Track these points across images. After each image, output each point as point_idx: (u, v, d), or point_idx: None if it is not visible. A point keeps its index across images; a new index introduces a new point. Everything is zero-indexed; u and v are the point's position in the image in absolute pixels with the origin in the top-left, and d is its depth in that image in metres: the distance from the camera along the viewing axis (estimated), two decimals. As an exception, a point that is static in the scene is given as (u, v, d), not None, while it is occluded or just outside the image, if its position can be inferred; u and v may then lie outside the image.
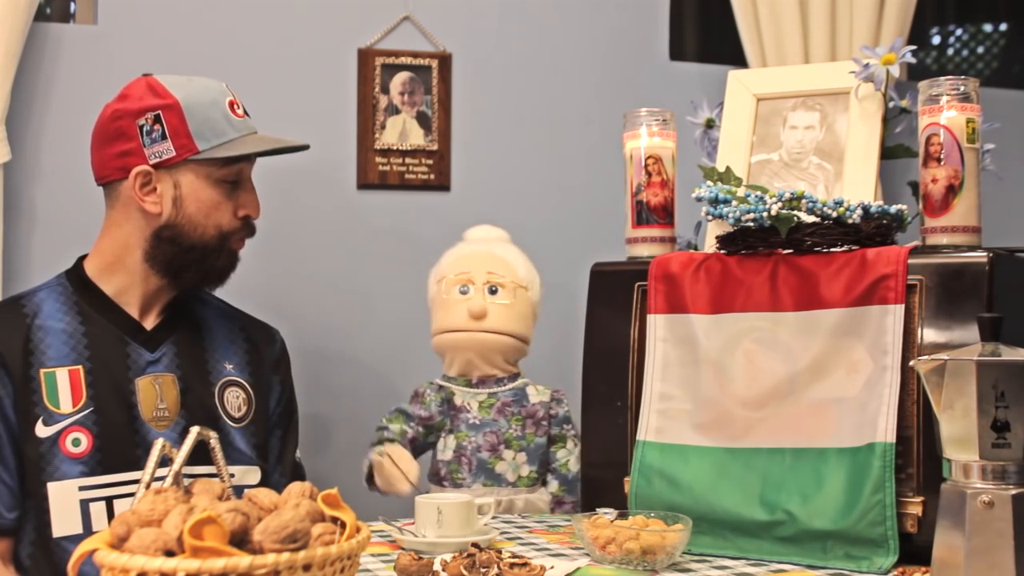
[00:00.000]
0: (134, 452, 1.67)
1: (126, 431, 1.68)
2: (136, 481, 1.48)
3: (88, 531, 1.62)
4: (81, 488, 1.64)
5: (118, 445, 1.67)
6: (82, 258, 1.80)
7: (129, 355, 1.72)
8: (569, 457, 2.06)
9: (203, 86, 1.74)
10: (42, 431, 1.64)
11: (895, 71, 1.74)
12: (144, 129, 1.69)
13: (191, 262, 1.73)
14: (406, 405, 2.09)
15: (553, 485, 2.06)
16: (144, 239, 1.72)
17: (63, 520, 1.63)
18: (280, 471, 1.84)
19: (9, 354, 1.66)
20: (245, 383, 1.82)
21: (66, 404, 1.66)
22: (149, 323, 1.76)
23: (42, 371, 1.67)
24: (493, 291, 2.07)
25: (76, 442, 1.65)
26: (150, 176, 1.70)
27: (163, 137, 1.69)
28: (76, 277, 1.76)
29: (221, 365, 1.80)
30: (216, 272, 1.78)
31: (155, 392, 1.72)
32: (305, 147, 1.83)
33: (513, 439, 2.04)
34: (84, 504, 1.64)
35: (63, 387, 1.67)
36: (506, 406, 2.06)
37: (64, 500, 1.63)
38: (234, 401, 1.79)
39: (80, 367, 1.69)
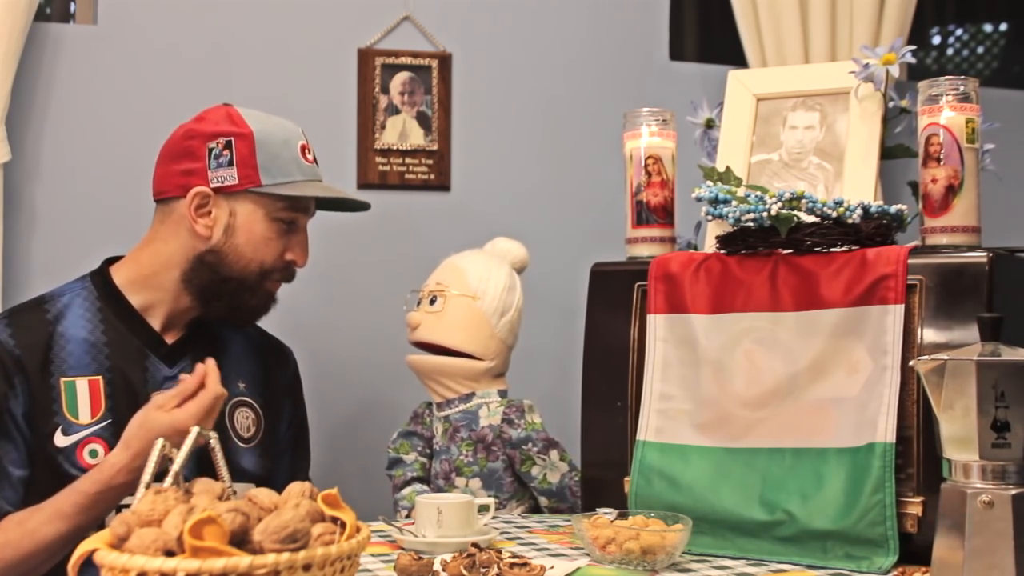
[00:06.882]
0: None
1: None
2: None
3: None
4: None
5: None
6: (108, 261, 1.77)
7: (147, 368, 1.71)
8: (543, 472, 1.91)
9: (279, 124, 1.75)
10: (61, 440, 1.63)
11: (895, 71, 1.74)
12: (213, 152, 1.70)
13: (225, 293, 1.72)
14: (407, 426, 2.01)
15: (541, 501, 1.94)
16: (186, 260, 1.71)
17: None
18: None
19: (28, 359, 1.64)
20: (256, 404, 1.80)
21: (85, 415, 1.65)
22: (170, 338, 1.75)
23: (62, 380, 1.65)
24: (432, 301, 1.97)
25: (93, 453, 1.64)
26: (208, 199, 1.70)
27: (230, 163, 1.69)
28: (102, 283, 1.73)
29: (234, 384, 1.77)
30: (246, 310, 1.76)
31: None
32: (366, 206, 1.85)
33: (464, 466, 1.92)
34: None
35: (83, 397, 1.65)
36: (456, 431, 1.94)
37: None
38: (243, 421, 1.77)
39: (100, 377, 1.67)
